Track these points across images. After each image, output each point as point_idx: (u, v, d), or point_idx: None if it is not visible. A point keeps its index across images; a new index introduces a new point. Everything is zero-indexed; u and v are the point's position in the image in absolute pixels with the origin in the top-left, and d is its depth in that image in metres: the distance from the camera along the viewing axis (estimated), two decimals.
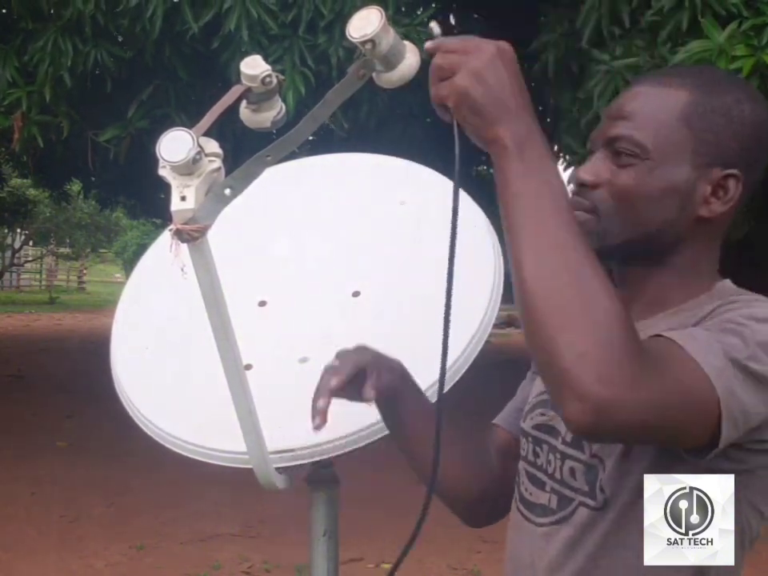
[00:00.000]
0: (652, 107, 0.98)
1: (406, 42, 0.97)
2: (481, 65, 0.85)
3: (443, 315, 0.89)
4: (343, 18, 4.10)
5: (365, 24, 0.93)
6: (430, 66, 0.88)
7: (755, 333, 0.86)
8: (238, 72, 1.00)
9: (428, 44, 0.89)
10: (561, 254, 0.81)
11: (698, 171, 0.97)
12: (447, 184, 1.35)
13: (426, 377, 1.23)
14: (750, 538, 0.97)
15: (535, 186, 0.83)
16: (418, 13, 4.35)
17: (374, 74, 1.01)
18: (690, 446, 0.87)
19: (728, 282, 1.02)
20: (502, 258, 1.37)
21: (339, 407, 1.31)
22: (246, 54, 1.01)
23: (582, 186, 1.01)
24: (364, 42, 0.94)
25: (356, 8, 0.96)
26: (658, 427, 0.83)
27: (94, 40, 4.55)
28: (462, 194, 1.50)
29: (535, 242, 0.82)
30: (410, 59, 0.98)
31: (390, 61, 0.97)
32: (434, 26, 0.91)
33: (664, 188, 0.97)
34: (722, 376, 0.83)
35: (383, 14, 0.93)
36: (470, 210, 1.46)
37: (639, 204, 0.98)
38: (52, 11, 4.51)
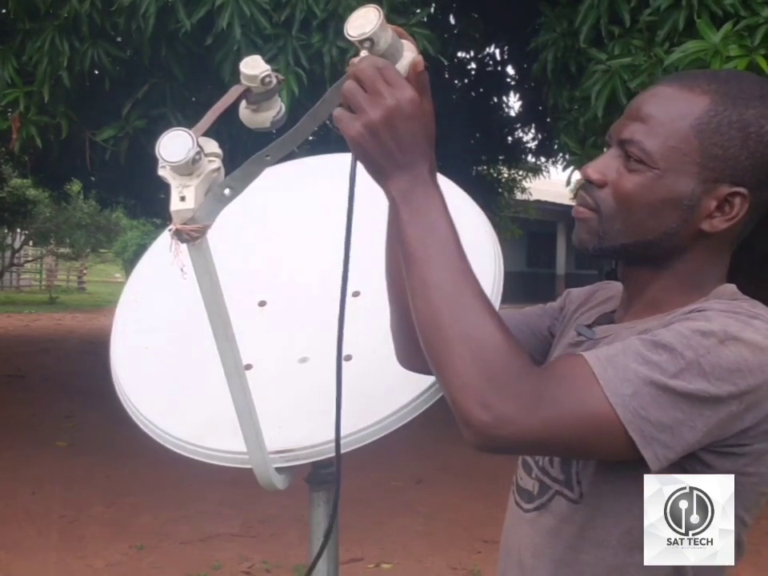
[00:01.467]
0: (668, 113, 0.96)
1: (404, 41, 0.97)
2: (378, 120, 0.89)
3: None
4: (336, 17, 4.09)
5: (363, 22, 0.93)
6: (344, 85, 0.92)
7: (691, 348, 0.85)
8: (232, 72, 1.00)
9: (353, 61, 0.93)
10: (442, 293, 0.88)
11: (704, 185, 0.95)
12: (448, 183, 1.35)
13: (426, 376, 1.24)
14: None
15: (419, 232, 0.90)
16: (418, 11, 4.34)
17: None
18: (616, 459, 0.91)
19: (729, 287, 1.01)
20: (501, 262, 1.37)
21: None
22: (240, 53, 1.01)
23: (589, 183, 1.01)
24: (362, 41, 0.94)
25: (350, 8, 0.95)
26: (554, 445, 0.87)
27: (91, 39, 4.55)
28: (465, 196, 1.50)
29: (421, 283, 0.90)
30: (408, 58, 0.98)
31: (388, 59, 0.97)
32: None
33: (666, 199, 0.96)
34: (630, 403, 0.84)
35: (381, 12, 0.93)
36: (472, 214, 1.45)
37: (639, 211, 0.97)
38: (50, 11, 4.50)
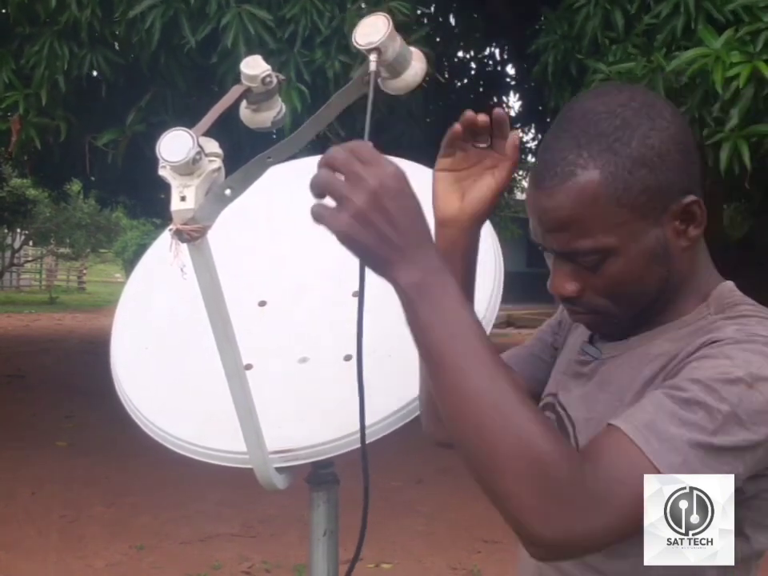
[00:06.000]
0: (578, 210, 0.91)
1: (413, 49, 0.97)
2: (365, 206, 0.79)
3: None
4: (340, 32, 4.09)
5: (371, 31, 0.92)
6: (316, 177, 0.81)
7: (724, 401, 0.83)
8: (235, 83, 1.00)
9: (322, 157, 0.82)
10: (482, 406, 0.79)
11: (658, 223, 0.93)
12: None
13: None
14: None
15: (444, 333, 0.81)
16: (414, 27, 4.33)
17: (379, 80, 1.00)
18: None
19: (727, 286, 1.00)
20: (501, 262, 1.37)
21: (339, 407, 1.32)
22: None
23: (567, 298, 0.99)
24: (370, 50, 0.93)
25: (355, 25, 0.95)
26: (622, 532, 0.84)
27: (90, 45, 4.55)
28: None
29: (454, 394, 0.80)
30: (416, 67, 0.98)
31: (396, 68, 0.97)
32: None
33: (643, 262, 0.94)
34: (682, 471, 0.82)
35: (390, 21, 0.93)
36: None
37: (631, 288, 0.96)
38: (49, 19, 4.49)
